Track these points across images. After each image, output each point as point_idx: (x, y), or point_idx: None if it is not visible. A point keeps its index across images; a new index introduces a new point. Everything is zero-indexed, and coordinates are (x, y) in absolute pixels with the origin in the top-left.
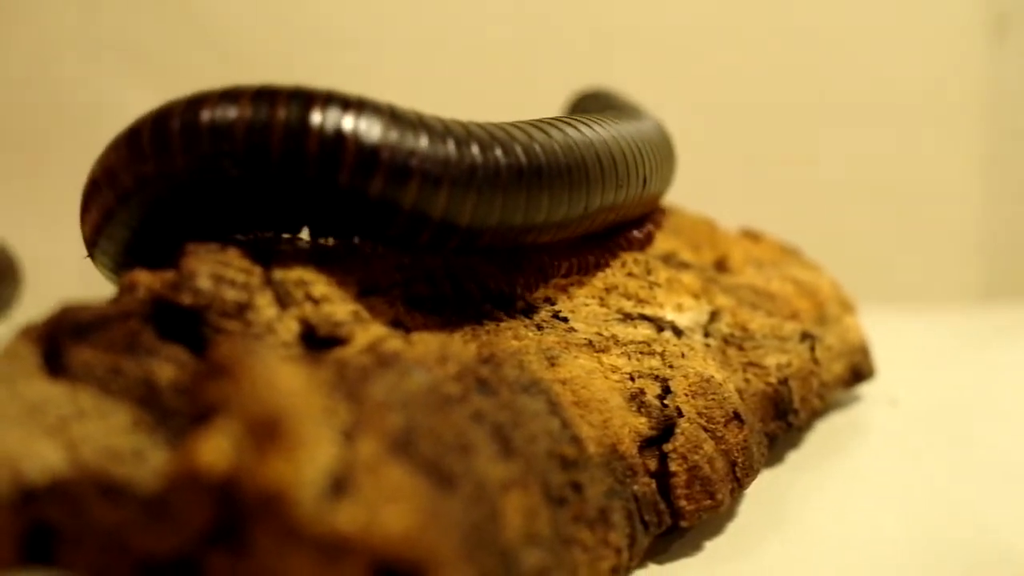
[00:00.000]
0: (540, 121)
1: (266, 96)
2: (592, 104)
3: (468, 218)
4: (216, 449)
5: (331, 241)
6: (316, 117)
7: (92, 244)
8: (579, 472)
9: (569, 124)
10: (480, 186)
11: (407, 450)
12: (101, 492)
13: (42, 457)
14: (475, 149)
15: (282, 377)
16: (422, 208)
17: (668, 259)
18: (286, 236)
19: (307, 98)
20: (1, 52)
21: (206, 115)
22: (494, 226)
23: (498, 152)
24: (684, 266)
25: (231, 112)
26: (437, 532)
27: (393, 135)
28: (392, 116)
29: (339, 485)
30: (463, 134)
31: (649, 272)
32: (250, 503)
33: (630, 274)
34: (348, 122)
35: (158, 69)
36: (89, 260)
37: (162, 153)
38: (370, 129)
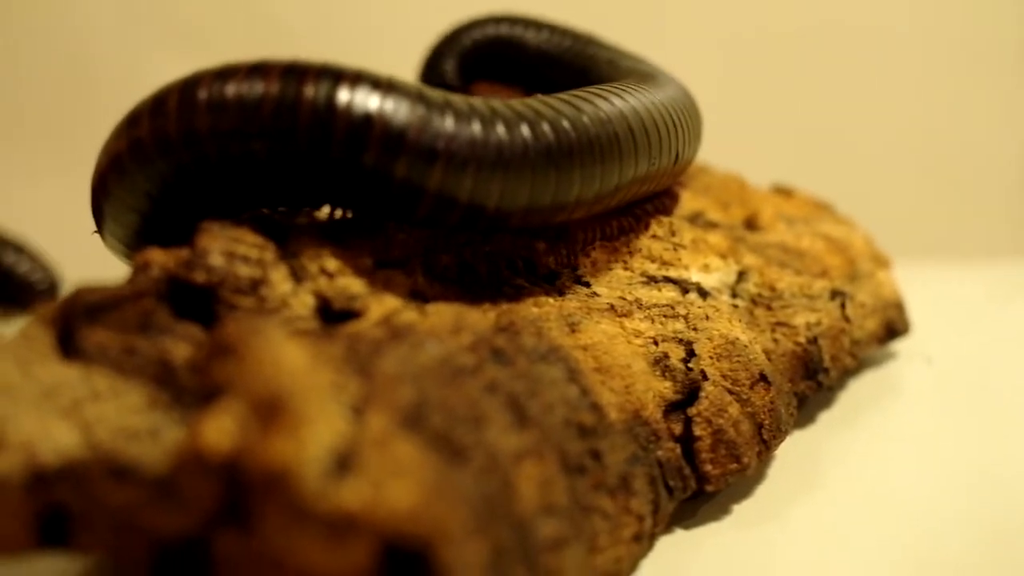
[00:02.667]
0: (570, 94)
1: (295, 72)
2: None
3: (496, 200)
4: (220, 429)
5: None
6: (344, 96)
7: (105, 219)
8: (598, 439)
9: (600, 96)
10: (507, 167)
11: (417, 424)
12: (112, 473)
13: (56, 440)
14: (500, 129)
15: (287, 354)
16: (448, 190)
17: (695, 219)
18: (303, 211)
19: (336, 76)
20: (35, 29)
21: (234, 88)
22: (523, 207)
23: (524, 131)
24: (711, 226)
25: (259, 87)
26: (445, 506)
27: (419, 116)
28: (419, 97)
29: (345, 462)
30: (488, 114)
31: (674, 233)
32: (255, 482)
33: (654, 236)
34: (375, 102)
35: (195, 43)
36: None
37: (187, 125)
38: (397, 110)
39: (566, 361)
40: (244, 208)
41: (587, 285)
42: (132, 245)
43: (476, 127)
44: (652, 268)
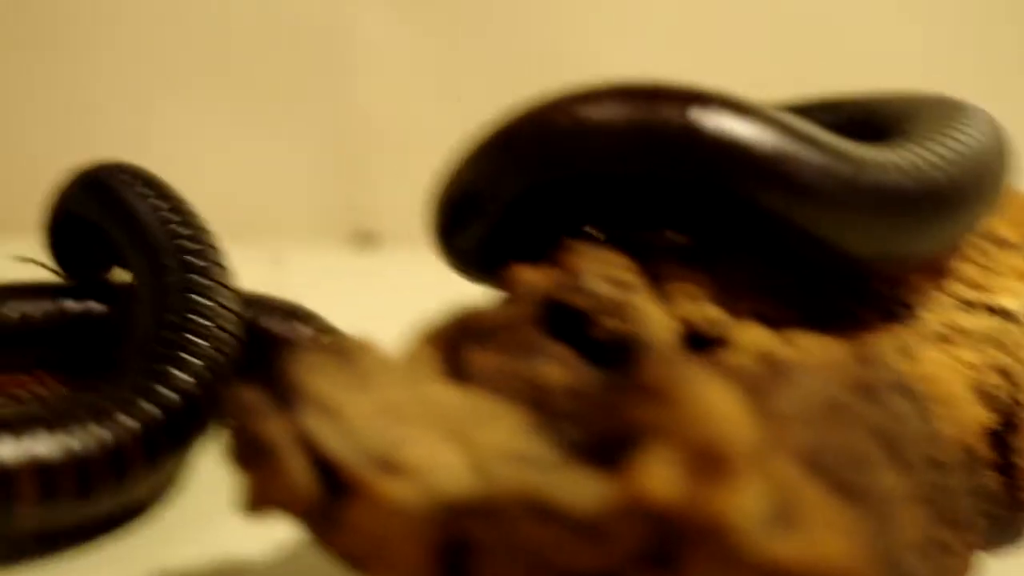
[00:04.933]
0: (924, 136)
1: (659, 96)
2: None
3: (870, 247)
4: (662, 478)
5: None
6: (717, 122)
7: (449, 228)
8: (945, 474)
9: (952, 137)
10: (881, 210)
11: (817, 468)
12: (524, 509)
13: (452, 467)
14: (874, 171)
15: (717, 401)
16: (816, 230)
17: (991, 239)
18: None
19: (704, 101)
20: None
21: (627, 111)
22: (897, 255)
23: (899, 174)
24: (1009, 246)
25: (626, 111)
26: (864, 555)
27: (799, 150)
28: (790, 128)
29: (778, 512)
30: (857, 156)
31: (981, 254)
32: (691, 530)
33: (966, 258)
34: (747, 130)
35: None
36: None
37: (568, 146)
38: (781, 144)
39: (912, 393)
40: (584, 224)
41: (909, 309)
42: (473, 257)
43: (852, 166)
44: (967, 292)
